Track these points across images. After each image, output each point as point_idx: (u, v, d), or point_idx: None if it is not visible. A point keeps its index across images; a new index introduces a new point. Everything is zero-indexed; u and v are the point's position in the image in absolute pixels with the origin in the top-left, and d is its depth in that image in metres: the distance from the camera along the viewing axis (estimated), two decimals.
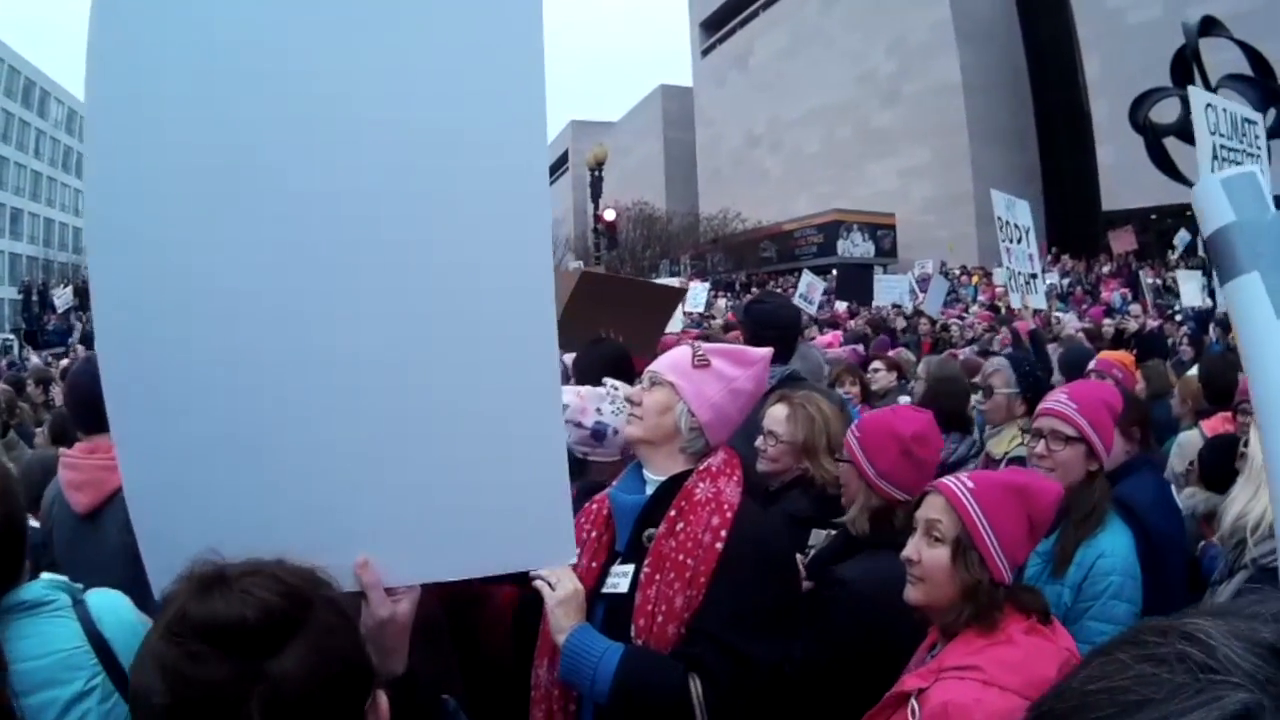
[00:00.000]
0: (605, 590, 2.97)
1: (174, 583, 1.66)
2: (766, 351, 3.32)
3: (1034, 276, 10.28)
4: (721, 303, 28.91)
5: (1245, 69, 14.17)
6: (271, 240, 2.13)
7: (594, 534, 3.12)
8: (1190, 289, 17.70)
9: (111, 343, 2.21)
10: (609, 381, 4.03)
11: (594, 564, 3.04)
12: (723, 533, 2.87)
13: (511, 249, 2.20)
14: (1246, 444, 3.85)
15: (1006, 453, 5.51)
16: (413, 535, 2.22)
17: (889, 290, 24.19)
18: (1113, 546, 3.63)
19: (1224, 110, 7.03)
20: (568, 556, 2.47)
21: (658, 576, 2.85)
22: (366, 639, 1.84)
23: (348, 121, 2.14)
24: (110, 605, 2.54)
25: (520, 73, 2.19)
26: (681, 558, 2.85)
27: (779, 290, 30.14)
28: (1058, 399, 3.98)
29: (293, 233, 2.14)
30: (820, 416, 4.19)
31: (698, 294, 23.09)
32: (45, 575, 2.55)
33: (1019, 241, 10.19)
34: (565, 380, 5.64)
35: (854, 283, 24.81)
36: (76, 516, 3.99)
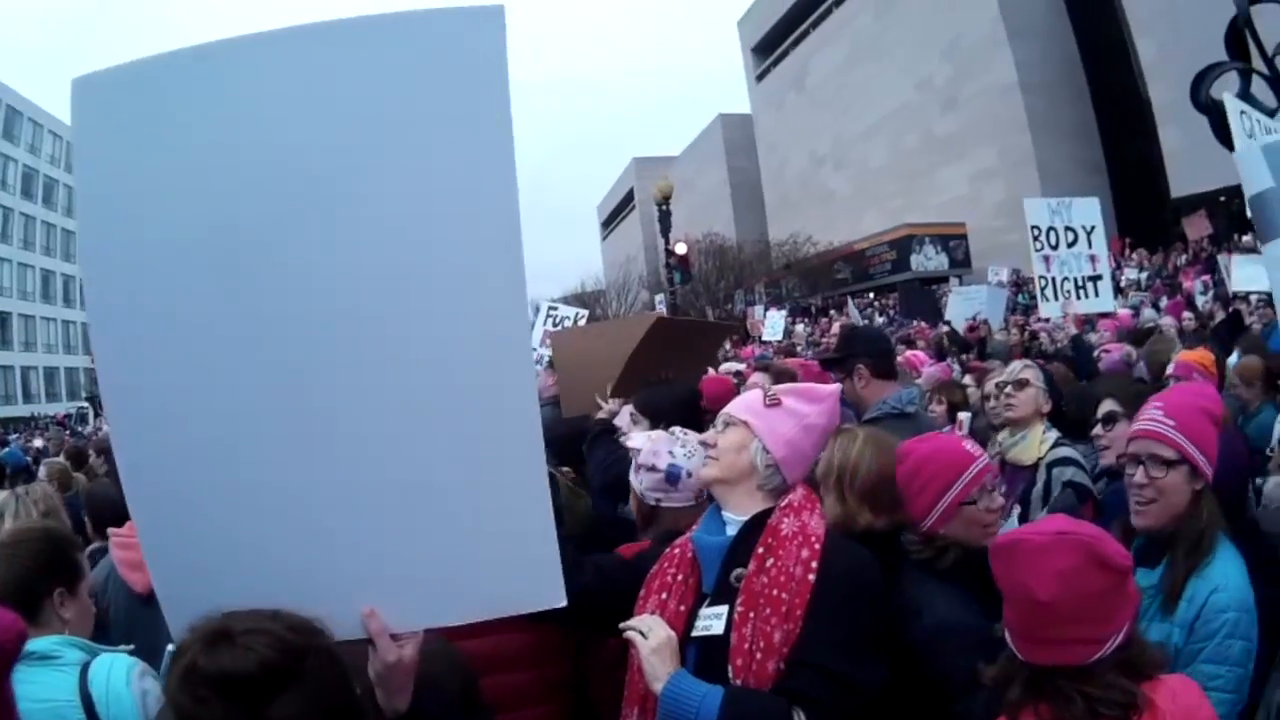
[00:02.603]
0: (697, 634, 2.92)
1: (184, 634, 1.98)
2: (835, 388, 3.37)
3: (1096, 278, 9.94)
4: (800, 328, 28.67)
5: None
6: (266, 311, 2.30)
7: (679, 578, 3.08)
8: (1244, 274, 16.88)
9: (120, 413, 2.42)
10: (674, 430, 3.99)
11: (682, 608, 3.00)
12: (814, 564, 2.86)
13: (489, 309, 2.33)
14: None
15: (1040, 458, 5.18)
16: (413, 584, 2.38)
17: (966, 303, 23.52)
18: (1225, 579, 3.19)
19: (1257, 119, 6.72)
20: (558, 599, 2.49)
21: (752, 614, 2.82)
22: (375, 681, 2.28)
23: (329, 200, 2.28)
24: (107, 669, 2.89)
25: (490, 147, 2.31)
26: (775, 593, 2.82)
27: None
28: (1151, 418, 3.43)
29: (285, 304, 2.30)
30: (841, 456, 3.74)
31: (775, 322, 22.90)
32: (64, 637, 2.95)
33: (1072, 244, 9.93)
34: (608, 432, 5.65)
35: (917, 300, 24.38)
36: (134, 595, 4.10)
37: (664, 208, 31.08)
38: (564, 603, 2.55)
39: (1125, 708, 2.35)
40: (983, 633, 2.87)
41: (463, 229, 2.30)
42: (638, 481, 3.90)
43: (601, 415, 6.03)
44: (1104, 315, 11.73)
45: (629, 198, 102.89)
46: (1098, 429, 4.89)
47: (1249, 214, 2.58)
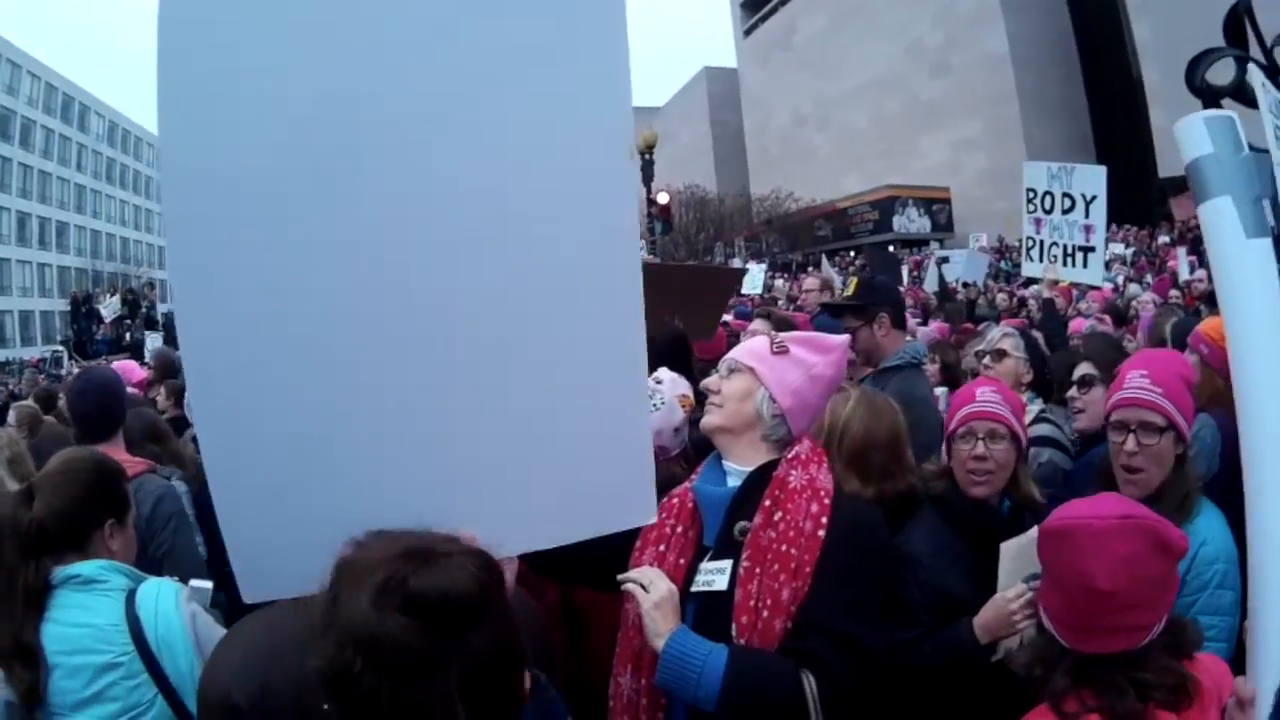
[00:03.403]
0: (697, 589, 2.76)
1: (350, 547, 1.77)
2: (844, 338, 3.22)
3: (1088, 249, 9.78)
4: (779, 283, 28.50)
5: None
6: (360, 237, 2.14)
7: (679, 529, 2.91)
8: None
9: (198, 346, 2.18)
10: (656, 375, 3.79)
11: (681, 561, 2.83)
12: (823, 520, 2.71)
13: (600, 231, 2.29)
14: None
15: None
16: (508, 508, 2.26)
17: (949, 270, 23.57)
18: (1211, 532, 3.24)
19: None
20: (650, 515, 2.54)
21: (759, 570, 2.67)
22: None
23: (432, 120, 2.16)
24: (155, 594, 2.89)
25: (605, 62, 2.25)
26: (784, 548, 2.67)
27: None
28: (1140, 385, 3.38)
29: (383, 230, 2.15)
30: (842, 417, 3.64)
31: (754, 276, 22.62)
32: (111, 562, 2.94)
33: (1068, 211, 9.78)
34: None
35: (883, 264, 24.30)
36: None
37: (647, 157, 30.93)
38: (655, 519, 2.64)
39: (1176, 690, 2.23)
40: (944, 573, 3.20)
41: (577, 152, 2.23)
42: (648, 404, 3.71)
43: None
44: (1093, 288, 11.58)
45: None
46: (1073, 391, 4.87)
47: (1187, 179, 2.70)
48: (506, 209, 2.20)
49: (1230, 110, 3.19)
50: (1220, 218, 2.70)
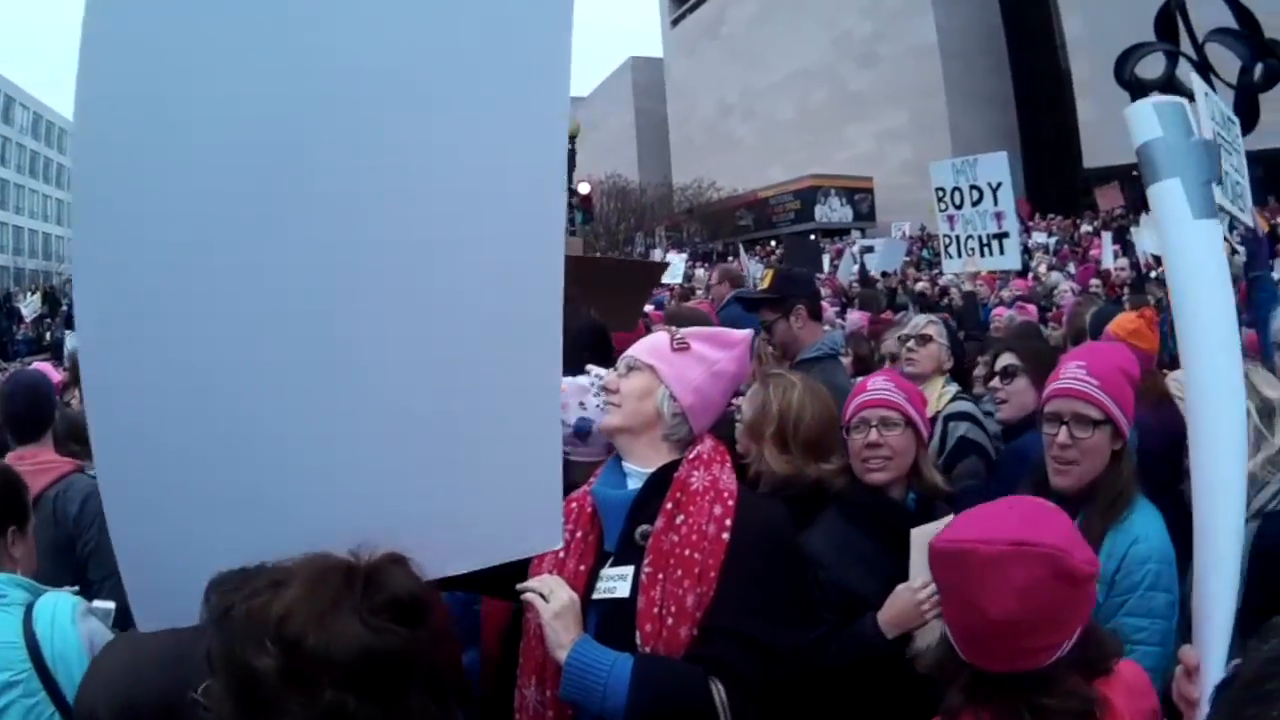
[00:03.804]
0: (599, 596, 2.68)
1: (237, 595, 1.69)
2: (747, 333, 3.15)
3: (1002, 236, 9.91)
4: (700, 273, 28.49)
5: (1231, 23, 13.69)
6: (266, 235, 2.01)
7: (578, 535, 2.83)
8: (1151, 236, 17.10)
9: (95, 344, 2.07)
10: (593, 370, 3.68)
11: (582, 567, 2.75)
12: (727, 522, 2.65)
13: (522, 243, 2.14)
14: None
15: (939, 411, 5.03)
16: (412, 533, 2.05)
17: (879, 256, 23.80)
18: (1145, 531, 3.20)
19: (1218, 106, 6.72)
20: (555, 541, 2.40)
21: (661, 576, 2.60)
22: None
23: (352, 113, 2.01)
24: (51, 609, 2.78)
25: (543, 67, 2.11)
26: (687, 553, 2.60)
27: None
28: (1076, 376, 3.33)
29: (288, 227, 2.01)
30: (779, 402, 3.68)
31: (676, 265, 22.65)
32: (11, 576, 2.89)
33: (977, 203, 9.91)
34: None
35: (801, 253, 24.54)
36: None
37: (570, 147, 30.75)
38: (561, 545, 2.48)
39: (1082, 716, 2.11)
40: (846, 571, 3.17)
41: (508, 147, 2.08)
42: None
43: None
44: (1017, 275, 11.75)
45: None
46: (995, 381, 4.85)
47: (1137, 162, 2.76)
48: (419, 215, 2.07)
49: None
50: (1170, 199, 2.70)
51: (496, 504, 2.25)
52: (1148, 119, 2.75)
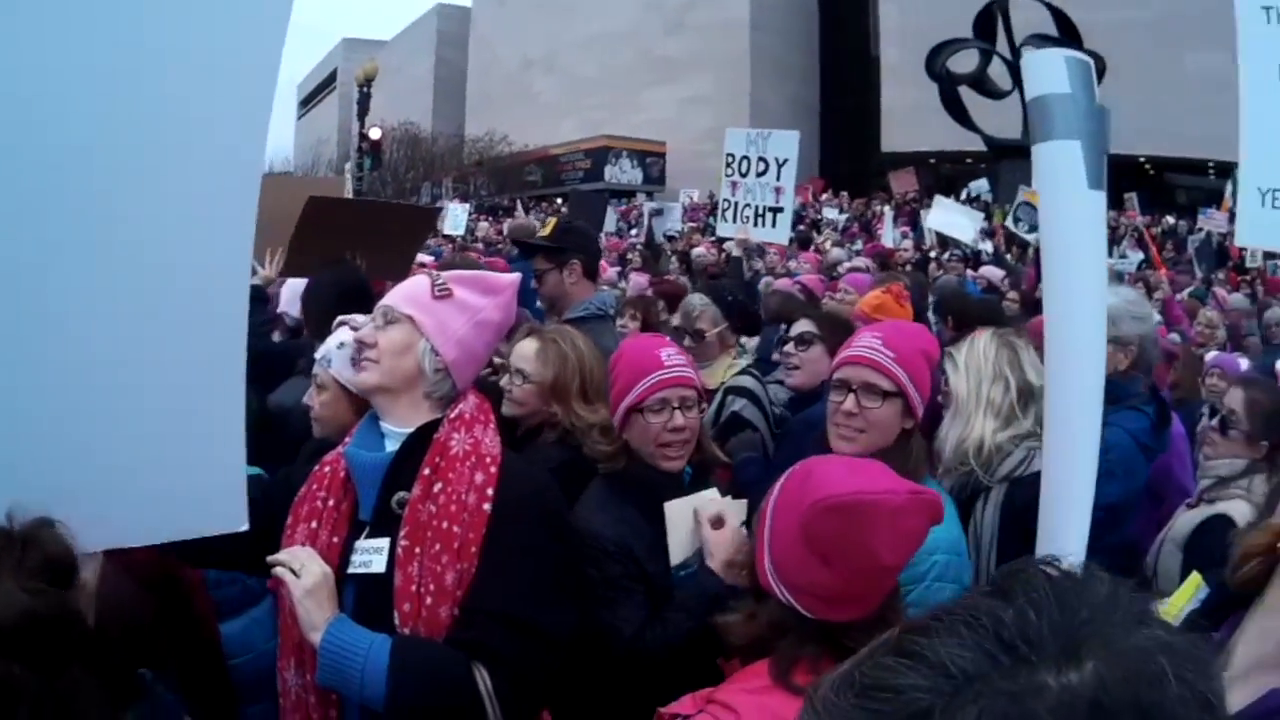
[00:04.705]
0: (354, 570, 2.47)
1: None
2: (515, 277, 2.93)
3: (777, 210, 10.15)
4: (485, 225, 28.06)
5: (1051, 30, 14.15)
6: None
7: (330, 503, 2.60)
8: (941, 217, 17.99)
9: None
10: (345, 322, 3.47)
11: (335, 539, 2.53)
12: (489, 491, 2.48)
13: (213, 233, 2.14)
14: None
15: (723, 382, 5.02)
16: (91, 501, 2.00)
17: (669, 218, 23.89)
18: None
19: None
20: (240, 522, 2.31)
21: (419, 550, 2.40)
22: None
23: (56, 74, 1.96)
24: None
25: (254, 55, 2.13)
26: (446, 525, 2.42)
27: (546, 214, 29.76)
28: (870, 345, 3.26)
29: None
30: (575, 355, 3.68)
31: (458, 216, 22.04)
32: None
33: (761, 174, 10.14)
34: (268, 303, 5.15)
35: (585, 209, 24.67)
36: None
37: (365, 90, 29.98)
38: (245, 526, 2.33)
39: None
40: (616, 549, 2.99)
41: (202, 141, 2.08)
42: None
43: (255, 281, 5.38)
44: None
45: (332, 78, 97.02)
46: (789, 347, 4.84)
47: (1025, 114, 2.69)
48: (116, 188, 2.02)
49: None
50: (1065, 161, 2.64)
51: (175, 479, 2.19)
52: (1056, 70, 2.66)
